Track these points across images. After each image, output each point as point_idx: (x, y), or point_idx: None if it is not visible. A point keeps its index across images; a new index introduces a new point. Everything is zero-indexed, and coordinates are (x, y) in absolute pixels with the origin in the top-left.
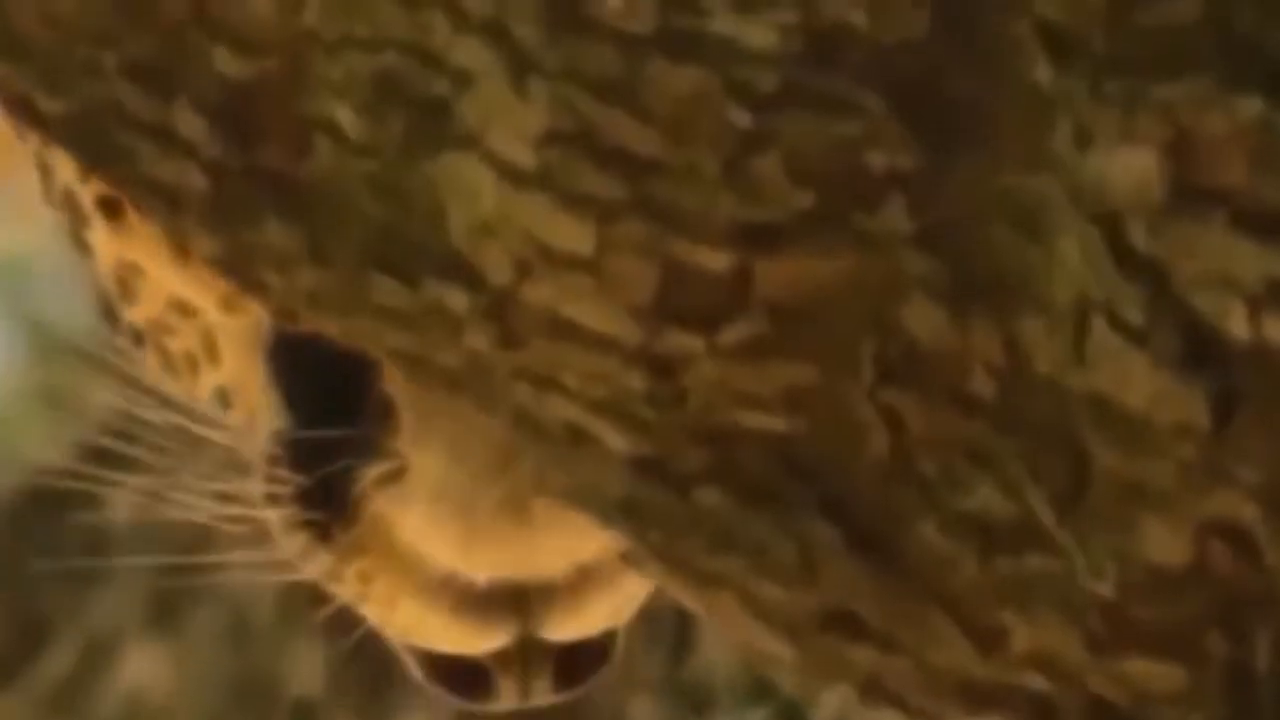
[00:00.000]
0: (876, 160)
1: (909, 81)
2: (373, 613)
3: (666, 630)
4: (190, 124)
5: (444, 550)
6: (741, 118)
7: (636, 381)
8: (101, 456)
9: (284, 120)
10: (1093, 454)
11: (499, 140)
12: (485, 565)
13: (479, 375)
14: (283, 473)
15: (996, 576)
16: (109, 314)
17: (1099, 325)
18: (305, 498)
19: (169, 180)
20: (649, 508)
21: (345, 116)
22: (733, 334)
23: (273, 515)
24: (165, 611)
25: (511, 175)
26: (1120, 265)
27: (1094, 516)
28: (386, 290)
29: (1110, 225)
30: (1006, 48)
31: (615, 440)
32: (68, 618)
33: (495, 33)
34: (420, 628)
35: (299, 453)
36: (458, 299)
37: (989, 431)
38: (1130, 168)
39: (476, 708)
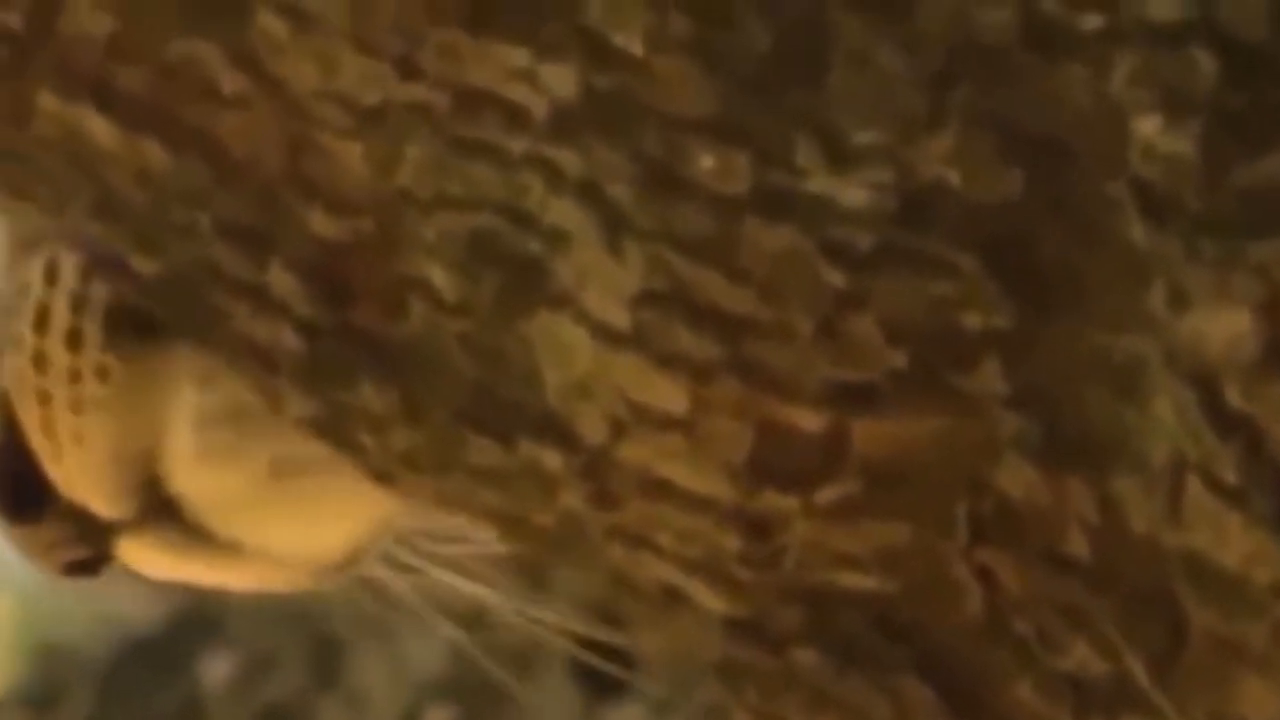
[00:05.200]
0: (971, 320)
1: (1003, 241)
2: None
3: None
4: (284, 284)
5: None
6: (836, 277)
7: (732, 542)
8: (197, 621)
9: (377, 280)
10: (1189, 614)
11: (593, 300)
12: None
13: (574, 535)
14: None
15: None
16: None
17: (1194, 485)
18: None
19: (263, 341)
20: (745, 668)
21: (439, 276)
22: (828, 494)
23: None
24: None
25: (606, 335)
26: (1215, 425)
27: (1190, 677)
28: (481, 450)
29: (1205, 385)
30: (1101, 207)
31: (711, 600)
32: None
33: (590, 193)
34: None
35: None
36: (553, 459)
37: (1084, 591)
38: (1225, 327)
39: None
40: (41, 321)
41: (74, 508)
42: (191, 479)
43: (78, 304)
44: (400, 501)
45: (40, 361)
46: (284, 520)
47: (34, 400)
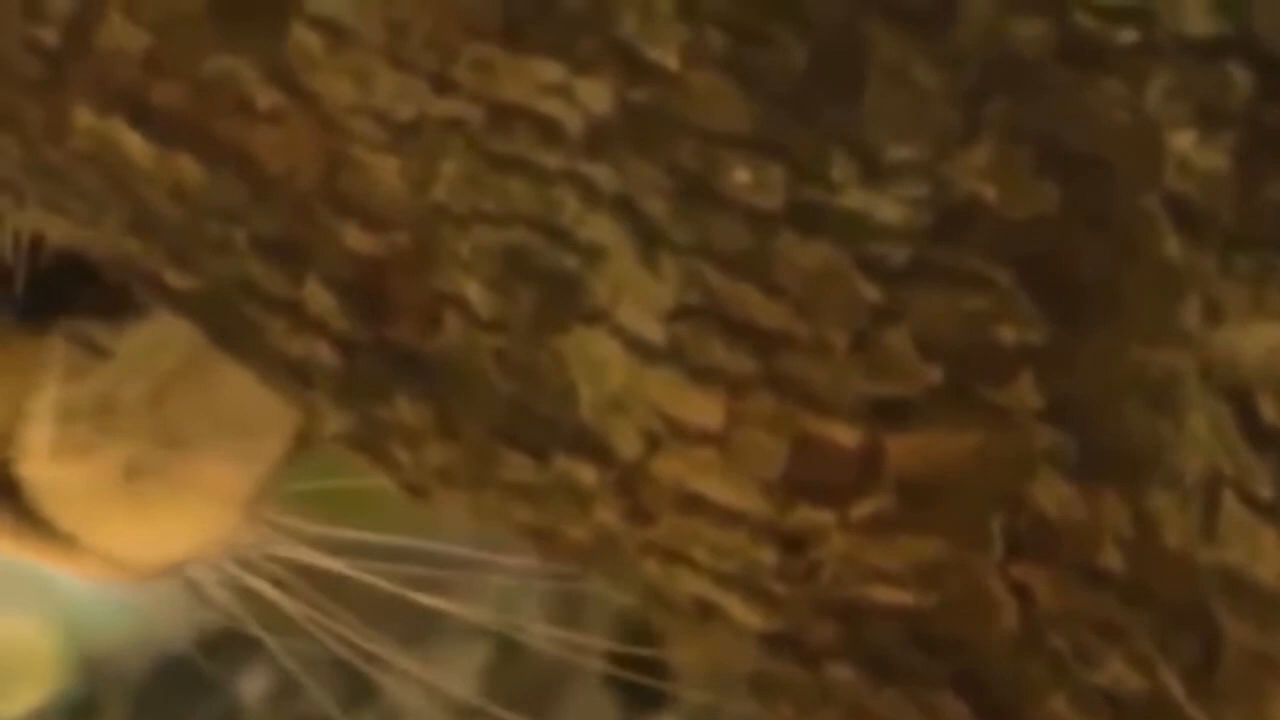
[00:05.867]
0: (1006, 335)
1: (1038, 256)
2: None
3: None
4: (320, 300)
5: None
6: (871, 292)
7: (767, 556)
8: (232, 639)
9: (413, 296)
10: (1224, 628)
11: (628, 315)
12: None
13: (608, 550)
14: None
15: None
16: None
17: (1229, 499)
18: None
19: (299, 356)
20: (780, 682)
21: (474, 291)
22: (863, 509)
23: None
24: None
25: (641, 350)
26: (1250, 440)
27: (1225, 690)
28: (516, 465)
29: (1240, 400)
30: (1136, 222)
31: (746, 615)
32: None
33: (625, 208)
34: None
35: None
36: (587, 474)
37: (1119, 605)
38: (1259, 342)
39: None
40: None
41: None
42: (41, 468)
43: None
44: (245, 521)
45: None
46: (126, 523)
47: None
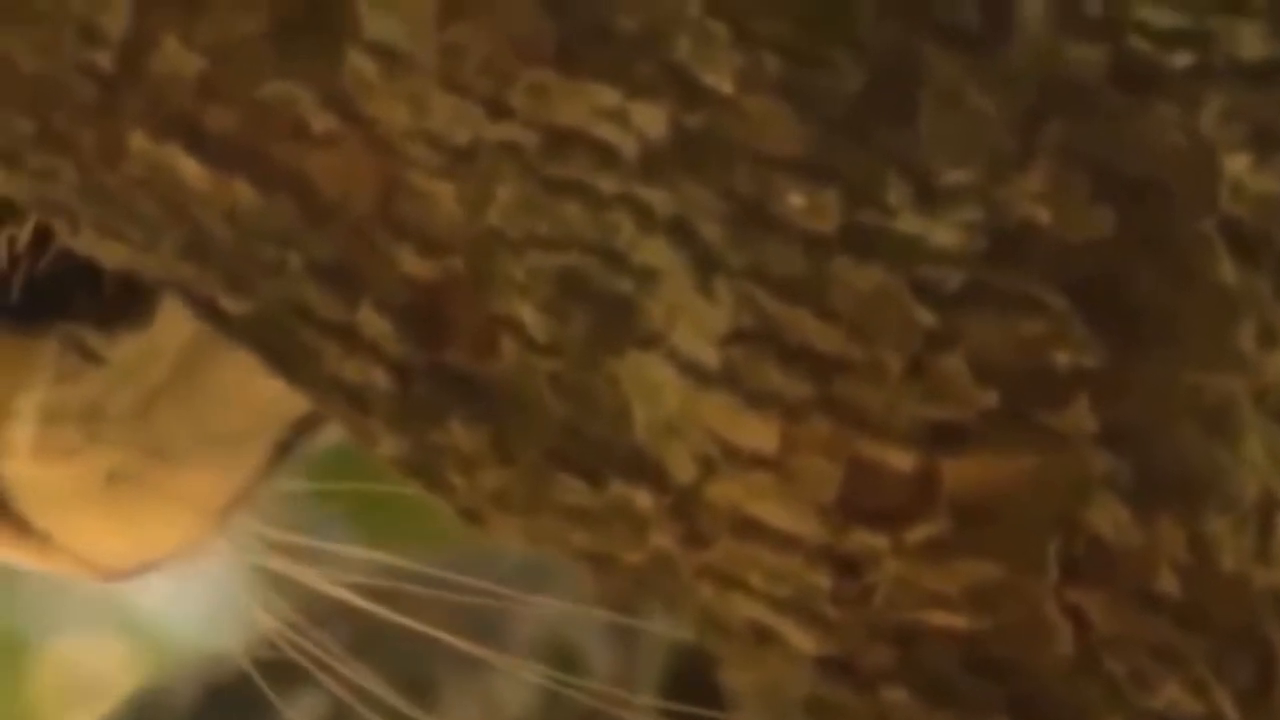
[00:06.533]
0: (1061, 359)
1: (1093, 279)
2: None
3: None
4: (375, 324)
5: None
6: (925, 316)
7: (822, 580)
8: (280, 662)
9: (469, 320)
10: (1278, 651)
11: (683, 339)
12: None
13: (664, 574)
14: None
15: None
16: None
17: None
18: None
19: (354, 381)
20: (835, 707)
21: (529, 315)
22: (918, 533)
23: None
24: None
25: (696, 374)
26: None
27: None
28: (571, 490)
29: None
30: (1191, 246)
31: (800, 639)
32: None
33: (680, 232)
34: None
35: None
36: (643, 498)
37: (1175, 629)
38: None
39: None
40: None
41: None
42: (22, 466)
43: None
44: (213, 528)
45: None
46: (103, 526)
47: None
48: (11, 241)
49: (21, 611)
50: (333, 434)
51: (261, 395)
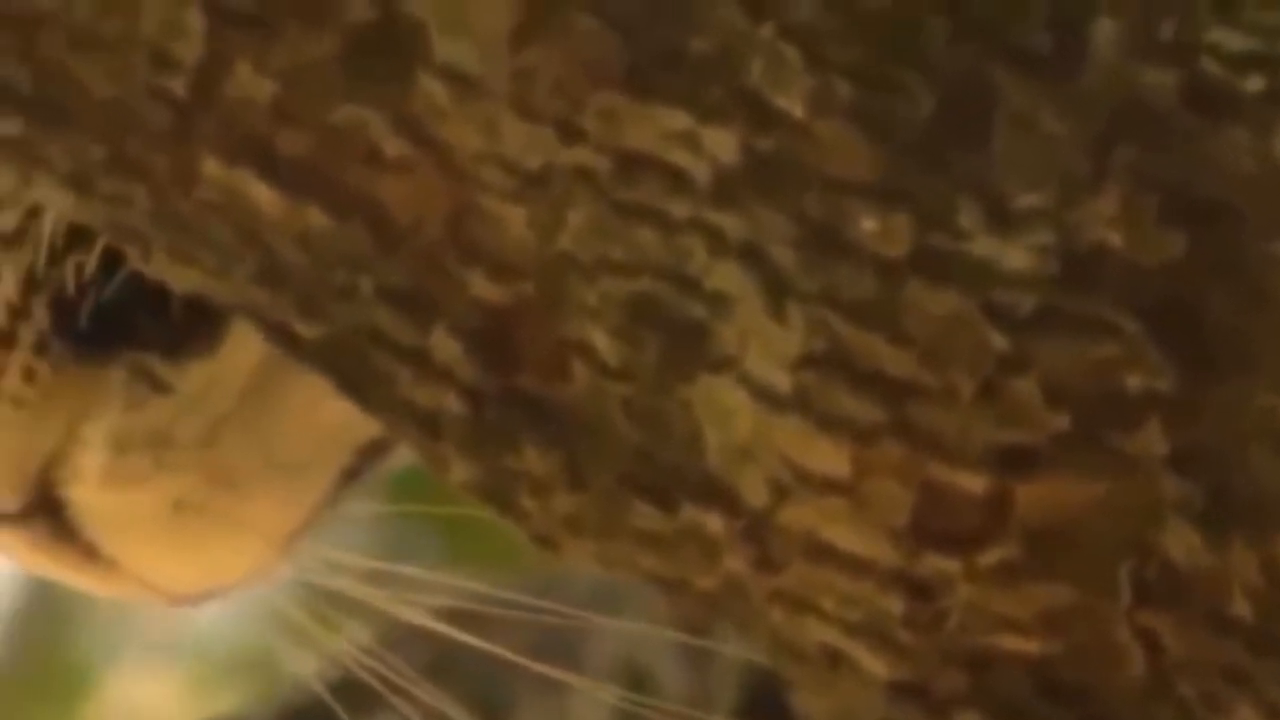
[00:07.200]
0: (1133, 382)
1: (1166, 302)
2: None
3: None
4: (447, 349)
5: None
6: (998, 340)
7: (894, 604)
8: (354, 686)
9: (541, 344)
10: None
11: (755, 363)
12: None
13: (736, 598)
14: None
15: None
16: None
17: None
18: None
19: (426, 405)
20: None
21: (601, 340)
22: (990, 557)
23: None
24: None
25: (768, 398)
26: None
27: None
28: (644, 515)
29: None
30: (1264, 269)
31: (873, 664)
32: None
33: (753, 257)
34: None
35: None
36: (715, 522)
37: (1246, 653)
38: None
39: None
40: None
41: None
42: (93, 495)
43: (15, 313)
44: (280, 554)
45: None
46: (169, 553)
47: None
48: (79, 268)
49: (84, 644)
50: (407, 457)
51: (327, 423)
